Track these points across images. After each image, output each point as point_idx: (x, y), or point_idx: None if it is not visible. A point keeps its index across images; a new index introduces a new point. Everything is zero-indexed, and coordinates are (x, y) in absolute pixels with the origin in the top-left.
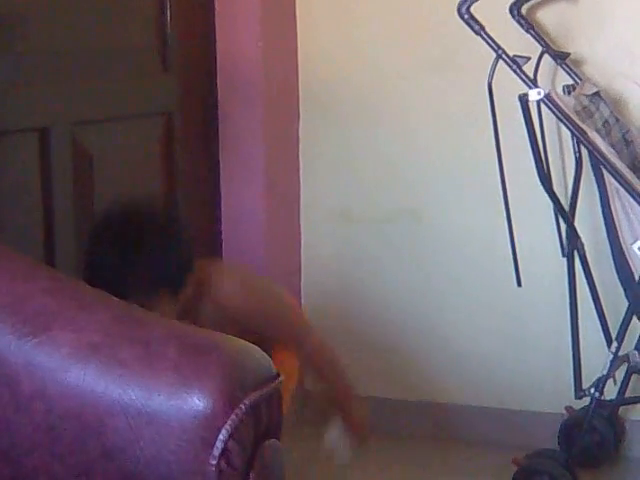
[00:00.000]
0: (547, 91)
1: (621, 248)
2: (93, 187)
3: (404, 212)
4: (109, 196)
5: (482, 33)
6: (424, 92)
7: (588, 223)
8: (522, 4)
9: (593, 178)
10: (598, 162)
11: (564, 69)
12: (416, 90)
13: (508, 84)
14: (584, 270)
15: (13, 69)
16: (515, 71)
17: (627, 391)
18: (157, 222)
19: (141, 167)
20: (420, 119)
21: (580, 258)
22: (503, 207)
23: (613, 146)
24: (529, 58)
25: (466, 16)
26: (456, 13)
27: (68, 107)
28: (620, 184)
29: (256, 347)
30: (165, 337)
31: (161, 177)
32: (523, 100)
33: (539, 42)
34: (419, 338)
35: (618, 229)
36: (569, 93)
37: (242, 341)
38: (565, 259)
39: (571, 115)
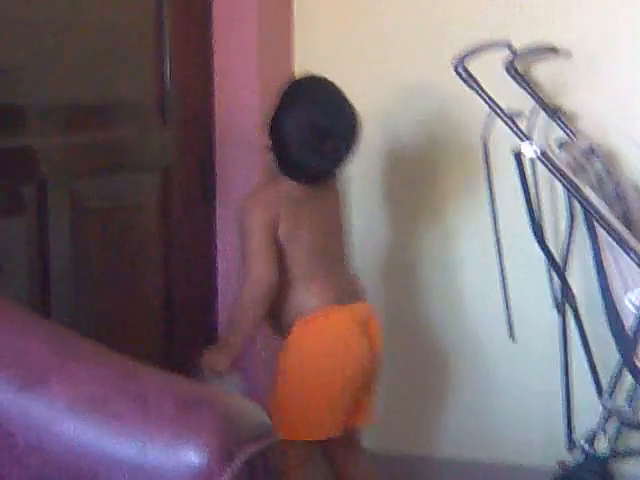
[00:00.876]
0: (541, 146)
1: (613, 301)
2: (90, 239)
3: (398, 265)
4: (106, 248)
5: (477, 88)
6: (419, 145)
7: (580, 276)
8: (517, 60)
9: (586, 232)
10: (591, 216)
11: (558, 124)
12: (411, 143)
13: (502, 138)
14: (576, 323)
15: (12, 120)
16: (509, 126)
17: (619, 444)
18: None
19: (138, 220)
20: (415, 172)
21: (572, 311)
22: (496, 260)
23: (606, 201)
24: (523, 113)
25: (462, 72)
26: (452, 68)
27: (66, 159)
28: (612, 238)
29: (252, 402)
30: (162, 391)
31: (157, 230)
32: (517, 155)
33: (534, 98)
34: (408, 389)
35: (610, 282)
36: (563, 148)
37: (238, 396)
38: (558, 312)
39: (565, 170)
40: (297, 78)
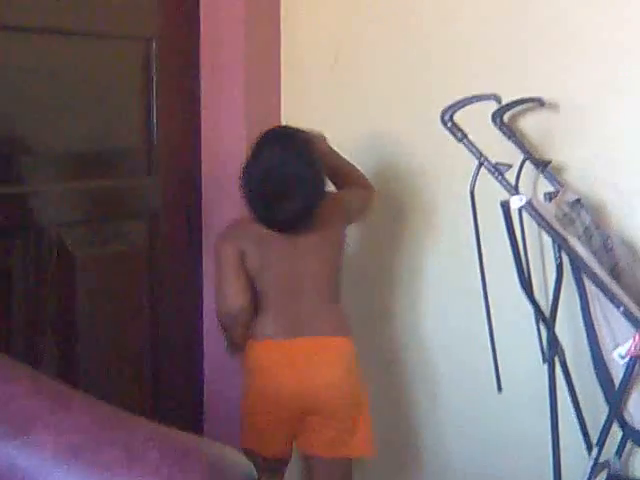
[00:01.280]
0: (528, 198)
1: (601, 354)
2: (77, 286)
3: (383, 314)
4: (93, 295)
5: (464, 140)
6: (407, 197)
7: (569, 329)
8: (504, 112)
9: (574, 284)
10: (579, 269)
11: (545, 176)
12: (399, 195)
13: (490, 190)
14: (565, 376)
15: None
16: (497, 178)
17: None
18: None
19: (125, 267)
20: (402, 225)
21: (561, 364)
22: (484, 312)
23: (594, 253)
24: (511, 165)
25: (449, 124)
26: (439, 120)
27: (53, 207)
28: (601, 291)
29: (235, 451)
30: (146, 439)
31: (144, 277)
32: (505, 207)
33: (521, 149)
34: (396, 441)
35: (598, 335)
36: (550, 200)
37: (222, 445)
38: (546, 365)
39: (552, 222)
40: (266, 130)
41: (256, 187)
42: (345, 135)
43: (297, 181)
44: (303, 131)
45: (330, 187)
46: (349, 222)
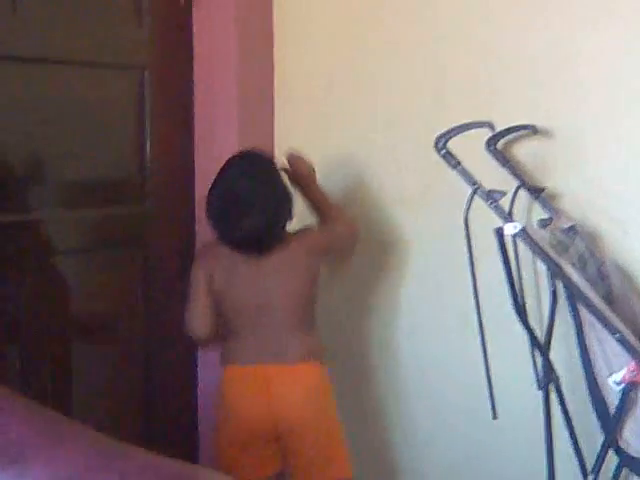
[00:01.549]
0: (523, 225)
1: (596, 381)
2: (70, 316)
3: (381, 342)
4: (86, 324)
5: (459, 168)
6: (400, 226)
7: (564, 356)
8: (498, 139)
9: (568, 311)
10: (573, 295)
11: (539, 203)
12: (394, 220)
13: (484, 218)
14: (560, 403)
15: None
16: (491, 205)
17: None
18: None
19: (118, 296)
20: (395, 252)
21: (556, 391)
22: (479, 338)
23: (588, 280)
24: (505, 193)
25: (443, 151)
26: (433, 147)
27: (47, 236)
28: (595, 317)
29: (230, 478)
30: (142, 468)
31: (137, 307)
32: (499, 234)
33: (515, 177)
34: (392, 470)
35: (593, 362)
36: (544, 227)
37: (217, 472)
38: (541, 391)
39: (546, 249)
40: (236, 152)
41: (216, 204)
42: (338, 160)
43: (256, 197)
44: (266, 153)
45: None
46: (324, 254)
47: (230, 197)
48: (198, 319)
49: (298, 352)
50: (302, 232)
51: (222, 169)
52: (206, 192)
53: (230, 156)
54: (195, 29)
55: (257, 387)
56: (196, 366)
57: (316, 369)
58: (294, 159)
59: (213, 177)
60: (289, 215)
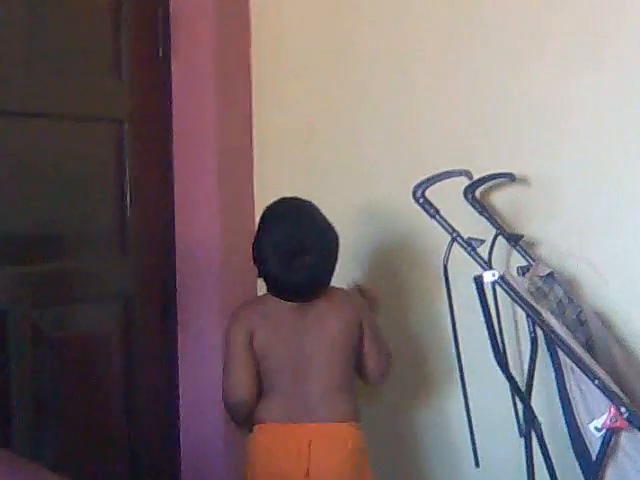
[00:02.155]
0: (501, 273)
1: (578, 427)
2: (50, 369)
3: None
4: (67, 378)
5: (437, 217)
6: (381, 274)
7: (544, 402)
8: (476, 188)
9: (548, 357)
10: (553, 342)
11: (518, 250)
12: (374, 268)
13: (463, 265)
14: (541, 449)
15: None
16: (470, 253)
17: None
18: None
19: (99, 350)
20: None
21: (537, 437)
22: (460, 386)
23: (567, 326)
24: (483, 240)
25: (421, 200)
26: (411, 197)
27: (27, 290)
28: (575, 364)
29: None
30: None
31: (119, 359)
32: (478, 281)
33: (493, 224)
34: None
35: (574, 408)
36: (523, 274)
37: None
38: (522, 438)
39: (525, 296)
40: (276, 200)
41: (273, 250)
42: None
43: (315, 239)
44: (304, 199)
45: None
46: (359, 333)
47: (290, 242)
48: (242, 383)
49: (339, 411)
50: (353, 293)
51: (269, 220)
52: (186, 244)
53: (272, 206)
54: (174, 81)
55: (295, 446)
56: (179, 422)
57: (355, 430)
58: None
59: (193, 229)
60: (337, 259)
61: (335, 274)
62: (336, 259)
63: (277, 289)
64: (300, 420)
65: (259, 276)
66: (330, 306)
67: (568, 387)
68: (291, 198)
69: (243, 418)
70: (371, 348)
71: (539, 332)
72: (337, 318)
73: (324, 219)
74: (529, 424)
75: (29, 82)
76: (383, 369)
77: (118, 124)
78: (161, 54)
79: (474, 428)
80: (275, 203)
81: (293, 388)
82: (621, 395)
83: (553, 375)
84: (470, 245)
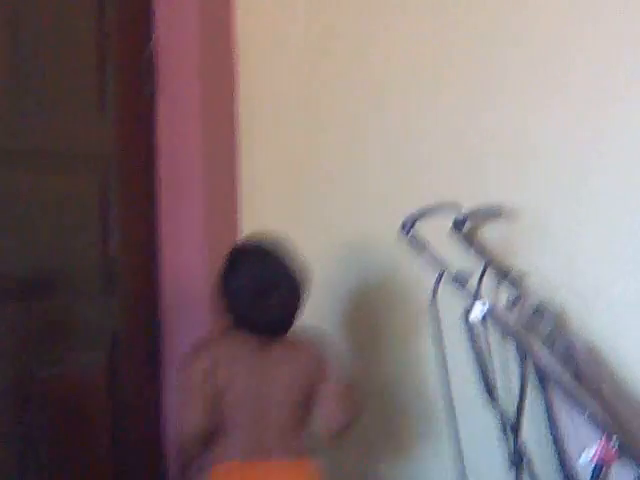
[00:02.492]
0: (491, 306)
1: (567, 459)
2: (36, 410)
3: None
4: (53, 419)
5: (425, 252)
6: (371, 305)
7: (534, 435)
8: (464, 221)
9: (538, 389)
10: (542, 374)
11: (507, 283)
12: (363, 303)
13: (453, 299)
14: None
15: None
16: (458, 286)
17: None
18: None
19: (84, 391)
20: (364, 336)
21: (527, 470)
22: (449, 420)
23: (557, 358)
24: (472, 273)
25: (409, 234)
26: (397, 231)
27: (13, 330)
28: (564, 396)
29: None
30: None
31: (104, 402)
32: (467, 315)
33: (482, 257)
34: None
35: (564, 440)
36: (512, 307)
37: None
38: (512, 472)
39: (515, 329)
40: (243, 239)
41: (243, 290)
42: (305, 247)
43: (285, 278)
44: (273, 239)
45: None
46: (318, 374)
47: (259, 281)
48: (197, 418)
49: (295, 450)
50: (317, 335)
51: (238, 259)
52: (172, 284)
53: (241, 245)
54: (159, 119)
55: None
56: (165, 466)
57: (313, 466)
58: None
59: (179, 268)
60: (304, 298)
61: (320, 311)
62: (303, 298)
63: (244, 325)
64: (257, 459)
65: (225, 312)
66: (292, 349)
67: (558, 419)
68: (259, 237)
69: (195, 454)
70: (329, 398)
71: (528, 364)
72: (297, 362)
73: (292, 258)
74: (519, 457)
75: (14, 119)
76: (341, 421)
77: (103, 161)
78: (146, 92)
79: (464, 461)
80: (243, 242)
81: (250, 427)
82: (611, 427)
83: (543, 408)
84: (458, 279)
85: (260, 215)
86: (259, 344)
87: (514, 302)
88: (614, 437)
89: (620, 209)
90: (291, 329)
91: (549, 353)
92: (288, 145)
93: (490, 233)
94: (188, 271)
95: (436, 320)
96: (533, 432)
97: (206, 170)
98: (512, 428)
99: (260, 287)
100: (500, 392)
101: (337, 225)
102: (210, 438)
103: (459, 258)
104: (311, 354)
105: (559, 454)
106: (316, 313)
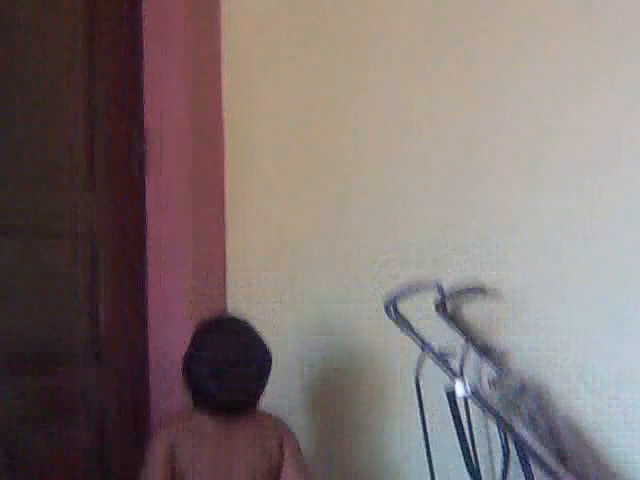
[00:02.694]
0: (473, 385)
1: None
2: None
3: None
4: None
5: (409, 330)
6: (355, 382)
7: None
8: (447, 300)
9: (521, 468)
10: (525, 453)
11: (489, 362)
12: (348, 380)
13: (435, 378)
14: None
15: None
16: (441, 365)
17: None
18: None
19: (73, 467)
20: (348, 408)
21: None
22: None
23: (539, 437)
24: (455, 353)
25: (393, 313)
26: (382, 310)
27: (2, 405)
28: (547, 475)
29: None
30: None
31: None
32: (450, 394)
33: (464, 336)
34: None
35: None
36: (495, 386)
37: None
38: None
39: (497, 408)
40: (210, 316)
41: (204, 362)
42: (291, 321)
43: (252, 359)
44: (243, 317)
45: None
46: (280, 455)
47: (222, 356)
48: None
49: None
50: (281, 422)
51: (203, 335)
52: (159, 358)
53: (206, 322)
54: (148, 197)
55: None
56: None
57: None
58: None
59: (165, 342)
60: (269, 376)
61: (304, 389)
62: (268, 376)
63: (206, 402)
64: None
65: (188, 389)
66: (255, 430)
67: None
68: (226, 315)
69: None
70: (292, 476)
71: (511, 443)
72: (261, 443)
73: (258, 336)
74: None
75: (3, 197)
76: None
77: (92, 239)
78: (135, 170)
79: None
80: (210, 319)
81: None
82: None
83: None
84: (442, 358)
85: (246, 290)
86: (224, 422)
87: (496, 381)
88: None
89: (601, 287)
90: (256, 406)
91: (531, 432)
92: (274, 223)
93: (471, 311)
94: (175, 346)
95: (420, 399)
96: None
97: (194, 250)
98: None
99: (224, 361)
100: (483, 471)
101: (321, 300)
102: None
103: (443, 332)
104: (275, 435)
105: None
106: (297, 390)
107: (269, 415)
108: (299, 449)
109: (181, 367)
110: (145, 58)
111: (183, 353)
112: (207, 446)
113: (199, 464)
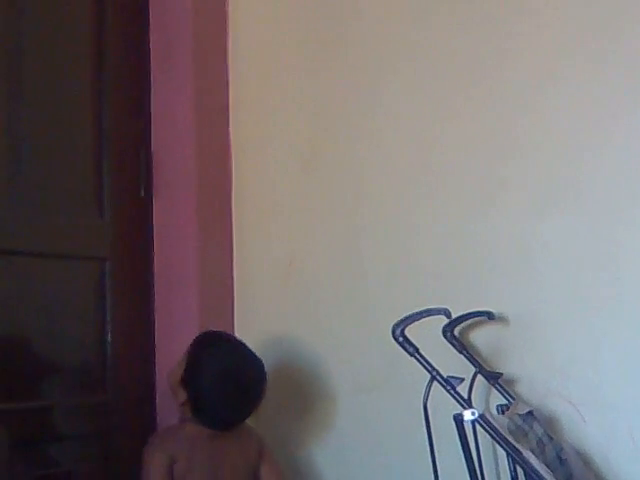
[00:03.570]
0: (481, 411)
1: None
2: None
3: None
4: None
5: (416, 355)
6: (361, 408)
7: None
8: (455, 326)
9: None
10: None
11: (497, 389)
12: (353, 406)
13: (443, 404)
14: None
15: None
16: (449, 392)
17: None
18: None
19: None
20: (353, 437)
21: None
22: None
23: (548, 464)
24: (463, 379)
25: (400, 338)
26: (390, 335)
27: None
28: None
29: None
30: None
31: None
32: (458, 420)
33: (472, 363)
34: None
35: None
36: (503, 412)
37: None
38: None
39: (505, 435)
40: (210, 333)
41: (218, 389)
42: (297, 343)
43: (260, 384)
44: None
45: None
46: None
47: (236, 384)
48: None
49: None
50: (256, 432)
51: (207, 350)
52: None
53: (204, 336)
54: (155, 220)
55: None
56: None
57: None
58: None
59: (174, 364)
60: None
61: (313, 407)
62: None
63: (206, 415)
64: None
65: (188, 399)
66: (240, 439)
67: None
68: (226, 334)
69: None
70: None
71: (519, 471)
72: (245, 454)
73: (256, 355)
74: None
75: (12, 221)
76: None
77: (100, 262)
78: (143, 193)
79: None
80: (212, 336)
81: None
82: None
83: None
84: (450, 383)
85: (253, 311)
86: (214, 436)
87: (504, 407)
88: None
89: (610, 313)
90: None
91: (540, 459)
92: (281, 243)
93: (480, 337)
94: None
95: (428, 425)
96: None
97: (202, 271)
98: None
99: (229, 384)
100: None
101: (329, 322)
102: None
103: (450, 362)
104: (255, 446)
105: None
106: (303, 410)
107: (248, 425)
108: (274, 456)
109: (180, 376)
110: (152, 84)
111: None
112: (202, 455)
113: (195, 472)
